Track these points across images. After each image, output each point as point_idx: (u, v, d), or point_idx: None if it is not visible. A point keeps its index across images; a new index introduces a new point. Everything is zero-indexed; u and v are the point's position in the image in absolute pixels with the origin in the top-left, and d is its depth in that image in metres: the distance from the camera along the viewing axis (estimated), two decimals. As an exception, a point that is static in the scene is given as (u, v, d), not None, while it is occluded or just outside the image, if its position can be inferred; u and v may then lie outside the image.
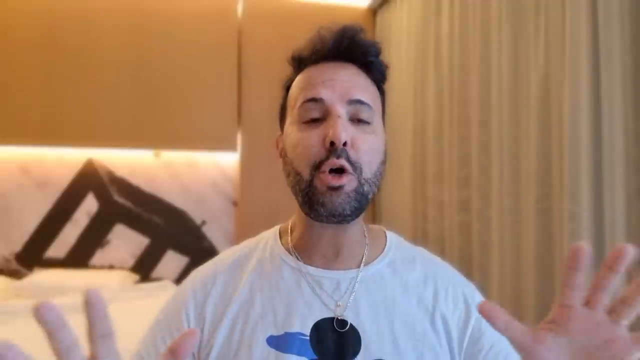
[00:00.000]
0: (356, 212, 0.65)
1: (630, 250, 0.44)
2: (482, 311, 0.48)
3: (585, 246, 0.45)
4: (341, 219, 0.65)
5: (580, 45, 1.34)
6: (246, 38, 2.96)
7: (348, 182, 0.64)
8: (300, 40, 0.72)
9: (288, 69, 0.74)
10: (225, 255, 0.77)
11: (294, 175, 0.67)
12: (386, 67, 0.73)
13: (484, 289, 0.76)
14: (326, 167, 0.63)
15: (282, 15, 2.94)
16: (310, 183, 0.64)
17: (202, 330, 0.69)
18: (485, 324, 0.69)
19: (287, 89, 0.73)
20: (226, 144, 2.94)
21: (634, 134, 1.25)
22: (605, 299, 0.46)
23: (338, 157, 0.63)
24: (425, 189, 2.38)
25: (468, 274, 0.77)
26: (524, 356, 0.48)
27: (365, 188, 0.65)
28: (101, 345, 0.41)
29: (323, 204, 0.63)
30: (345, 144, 0.63)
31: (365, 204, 0.66)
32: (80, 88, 2.75)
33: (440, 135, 2.23)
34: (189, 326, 0.69)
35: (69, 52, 2.75)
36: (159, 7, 2.85)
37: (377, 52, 0.71)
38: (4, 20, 2.69)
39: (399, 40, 2.70)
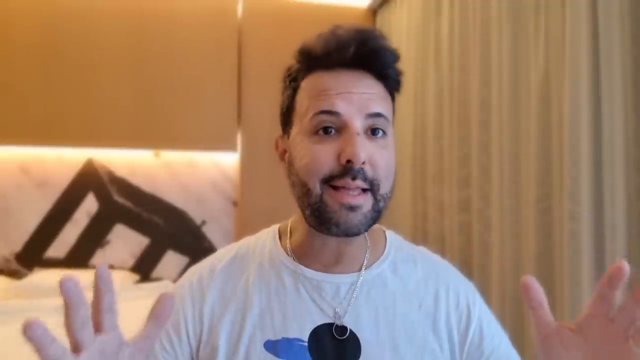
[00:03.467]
0: (368, 229, 0.64)
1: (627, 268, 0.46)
2: (523, 284, 0.50)
3: (626, 266, 0.46)
4: (354, 236, 0.63)
5: (580, 45, 1.34)
6: (246, 38, 2.95)
7: (365, 203, 0.61)
8: (300, 40, 0.68)
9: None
10: (223, 254, 0.75)
11: (300, 187, 0.63)
12: (401, 74, 0.69)
13: (484, 289, 0.76)
14: (339, 184, 0.60)
15: (282, 15, 2.94)
16: (321, 198, 0.61)
17: (200, 331, 0.68)
18: (485, 329, 0.69)
19: (294, 88, 0.68)
20: (226, 144, 2.93)
21: (634, 134, 1.25)
22: (624, 319, 0.47)
23: (354, 178, 0.59)
24: (425, 189, 2.38)
25: (468, 274, 0.77)
26: (540, 343, 0.50)
27: (381, 205, 0.63)
28: (106, 318, 0.45)
29: (337, 224, 0.60)
30: (364, 162, 0.60)
31: (377, 220, 0.64)
32: (80, 88, 2.74)
33: (440, 135, 2.23)
34: (186, 326, 0.68)
35: (68, 52, 2.75)
36: (159, 7, 2.84)
37: (394, 63, 0.67)
38: (4, 20, 2.69)
39: (399, 40, 2.70)
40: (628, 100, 1.25)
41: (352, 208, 0.60)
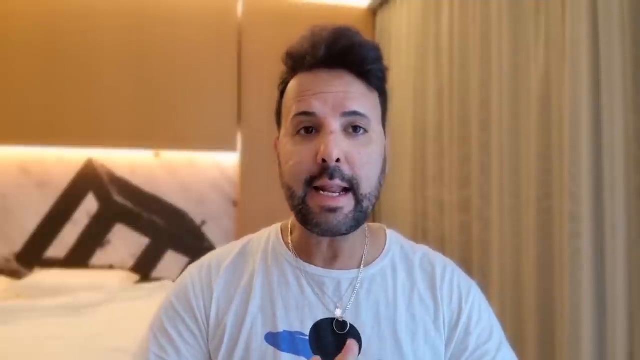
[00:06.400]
0: (353, 229, 0.64)
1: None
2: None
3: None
4: (337, 236, 0.64)
5: (580, 45, 1.34)
6: (246, 38, 2.95)
7: (346, 204, 0.62)
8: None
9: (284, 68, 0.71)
10: (229, 250, 0.76)
11: (287, 189, 0.66)
12: (385, 70, 0.68)
13: (483, 288, 0.77)
14: (319, 184, 0.61)
15: (282, 15, 2.94)
16: (304, 200, 0.63)
17: (208, 322, 0.69)
18: (473, 324, 0.69)
19: (282, 91, 0.70)
20: (226, 144, 2.94)
21: (634, 133, 1.25)
22: None
23: (332, 177, 0.60)
24: (425, 188, 2.38)
25: (468, 274, 0.77)
26: None
27: (364, 204, 0.63)
28: None
29: (318, 224, 0.62)
30: (338, 160, 0.60)
31: (363, 219, 0.65)
32: (80, 88, 2.75)
33: (440, 135, 2.23)
34: (199, 315, 0.69)
35: (69, 52, 2.75)
36: (159, 7, 2.85)
37: (375, 59, 0.66)
38: (4, 20, 2.69)
39: (399, 40, 2.70)
40: (628, 100, 1.25)
41: (331, 210, 0.61)
